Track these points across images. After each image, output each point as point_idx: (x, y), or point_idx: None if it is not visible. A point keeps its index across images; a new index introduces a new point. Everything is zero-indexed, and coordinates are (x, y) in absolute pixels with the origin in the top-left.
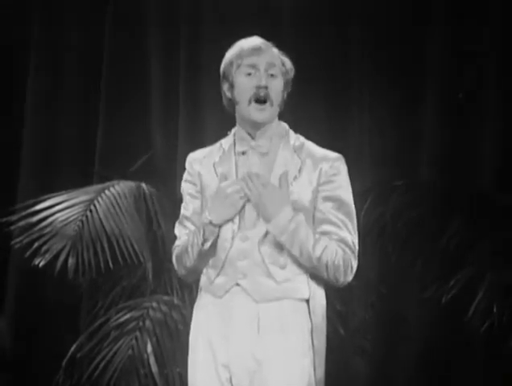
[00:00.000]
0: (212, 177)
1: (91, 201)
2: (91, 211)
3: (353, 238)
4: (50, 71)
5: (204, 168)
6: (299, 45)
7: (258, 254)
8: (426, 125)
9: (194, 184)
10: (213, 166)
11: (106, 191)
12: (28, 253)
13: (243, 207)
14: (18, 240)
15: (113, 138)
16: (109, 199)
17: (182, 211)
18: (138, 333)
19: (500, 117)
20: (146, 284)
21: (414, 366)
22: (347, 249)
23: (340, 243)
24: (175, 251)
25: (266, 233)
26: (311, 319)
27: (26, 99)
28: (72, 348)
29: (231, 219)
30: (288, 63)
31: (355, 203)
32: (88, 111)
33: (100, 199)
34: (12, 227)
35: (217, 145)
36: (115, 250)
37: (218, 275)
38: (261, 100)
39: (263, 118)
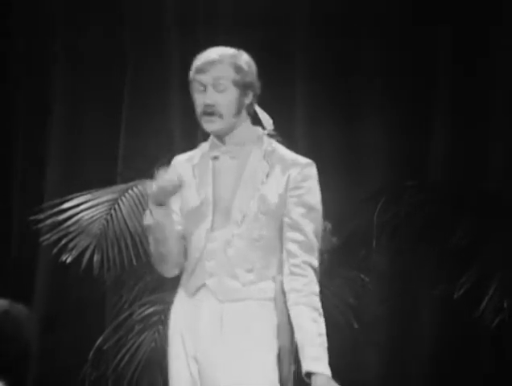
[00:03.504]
0: (190, 179)
1: (115, 200)
2: (115, 210)
3: (313, 257)
4: (75, 76)
5: (185, 171)
6: (311, 45)
7: (224, 256)
8: (437, 126)
9: None
10: (192, 168)
11: (130, 191)
12: (56, 250)
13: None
14: (46, 237)
15: (135, 140)
16: (132, 199)
17: None
18: (160, 326)
19: (510, 118)
20: (167, 279)
21: (425, 360)
22: (311, 277)
23: (308, 271)
24: None
25: (234, 235)
26: (277, 317)
27: (54, 102)
28: (98, 341)
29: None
30: (245, 68)
31: (369, 204)
32: (111, 114)
33: (123, 198)
34: (40, 225)
35: (198, 148)
36: (138, 247)
37: (192, 274)
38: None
39: (212, 129)
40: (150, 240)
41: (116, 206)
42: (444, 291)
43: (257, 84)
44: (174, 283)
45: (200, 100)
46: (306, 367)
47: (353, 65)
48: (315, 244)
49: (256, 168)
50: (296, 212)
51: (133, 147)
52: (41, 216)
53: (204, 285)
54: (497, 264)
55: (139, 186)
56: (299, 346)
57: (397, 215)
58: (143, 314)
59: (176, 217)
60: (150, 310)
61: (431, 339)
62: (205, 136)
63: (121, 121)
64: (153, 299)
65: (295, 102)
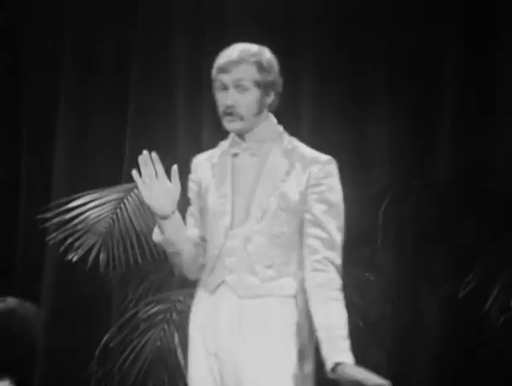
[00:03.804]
0: (210, 178)
1: (121, 199)
2: (121, 209)
3: (335, 253)
4: (82, 76)
5: (205, 170)
6: (318, 45)
7: (244, 252)
8: (442, 126)
9: (194, 187)
10: (212, 167)
11: (135, 190)
12: (62, 249)
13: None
14: (52, 236)
15: (140, 140)
16: (137, 198)
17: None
18: (165, 325)
19: None
20: (172, 278)
21: (430, 360)
22: (333, 273)
23: (329, 267)
24: None
25: (253, 232)
26: (298, 314)
27: (60, 102)
28: (104, 339)
29: (169, 212)
30: (268, 68)
31: (374, 202)
32: (117, 114)
33: (129, 197)
34: (47, 224)
35: (218, 147)
36: (143, 246)
37: (211, 271)
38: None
39: (233, 129)
40: (166, 252)
41: (122, 205)
42: (449, 290)
43: (279, 82)
44: (179, 282)
45: (221, 99)
46: (337, 358)
47: (360, 65)
48: (337, 241)
49: (276, 165)
50: (318, 209)
51: (138, 147)
52: (48, 215)
53: (223, 281)
54: (502, 263)
55: None
56: (326, 339)
57: (402, 214)
58: (149, 313)
59: (194, 221)
60: (156, 308)
61: (436, 338)
62: (210, 136)
63: (126, 120)
64: (158, 298)
65: (301, 101)
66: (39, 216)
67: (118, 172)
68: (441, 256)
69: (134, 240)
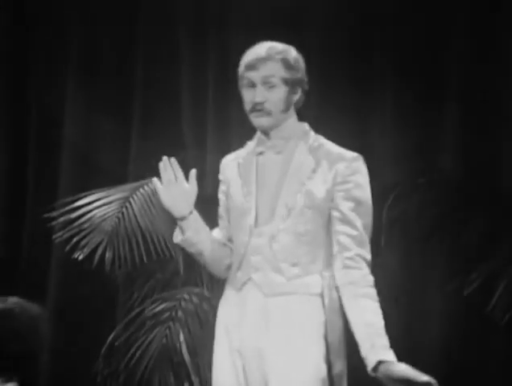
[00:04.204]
0: (236, 177)
1: (126, 199)
2: (126, 208)
3: (365, 250)
4: (87, 76)
5: (231, 170)
6: (322, 45)
7: (269, 251)
8: (448, 123)
9: (223, 187)
10: (238, 166)
11: (141, 189)
12: (68, 247)
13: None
14: (58, 234)
15: (146, 140)
16: (143, 197)
17: None
18: (171, 323)
19: None
20: (178, 277)
21: (435, 357)
22: (366, 269)
23: (361, 264)
24: None
25: (279, 230)
26: (325, 313)
27: (66, 101)
28: (110, 337)
29: (186, 212)
30: (295, 66)
31: (379, 200)
32: (122, 114)
33: (135, 196)
34: (53, 223)
35: (245, 147)
36: (149, 245)
37: (238, 269)
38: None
39: (261, 125)
40: (189, 250)
41: (127, 204)
42: (454, 288)
43: (305, 80)
44: (184, 280)
45: (249, 96)
46: (379, 356)
47: (365, 62)
48: (366, 238)
49: (302, 163)
50: (345, 206)
51: (144, 146)
52: (54, 214)
53: (249, 279)
54: (508, 261)
55: (150, 185)
56: (364, 337)
57: (407, 211)
58: (154, 311)
59: (222, 222)
60: (161, 306)
61: (441, 336)
62: (215, 136)
63: (132, 120)
64: (164, 296)
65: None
66: (46, 215)
67: (124, 171)
68: (446, 254)
69: (140, 239)
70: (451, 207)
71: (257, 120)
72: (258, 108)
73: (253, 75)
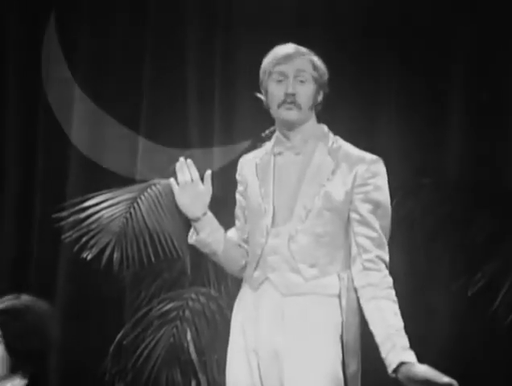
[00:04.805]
0: (253, 177)
1: (134, 199)
2: (134, 208)
3: (384, 252)
4: (95, 76)
5: (249, 169)
6: (327, 47)
7: (287, 251)
8: (454, 124)
9: (240, 187)
10: (255, 167)
11: (148, 190)
12: (77, 247)
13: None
14: (67, 234)
15: (153, 140)
16: (150, 197)
17: None
18: (178, 322)
19: None
20: (185, 276)
21: (440, 357)
22: (385, 271)
23: (381, 266)
24: None
25: (297, 231)
26: (341, 314)
27: (74, 102)
28: (118, 336)
29: (200, 213)
30: (321, 68)
31: None
32: (130, 115)
33: (142, 197)
34: (62, 223)
35: (263, 147)
36: (156, 245)
37: (255, 269)
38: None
39: (291, 117)
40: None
41: (135, 204)
42: (459, 287)
43: (327, 86)
44: (191, 280)
45: (279, 90)
46: (400, 357)
47: (370, 64)
48: (384, 239)
49: (321, 164)
50: (364, 209)
51: (151, 147)
52: (63, 214)
53: (266, 278)
54: None
55: (158, 185)
56: (385, 338)
57: (412, 211)
58: (162, 310)
59: (239, 222)
60: (169, 306)
61: (445, 336)
62: (222, 135)
63: (139, 120)
64: (171, 295)
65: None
66: (55, 215)
67: (132, 172)
68: (451, 254)
69: (147, 239)
70: (456, 207)
71: (286, 112)
72: (289, 100)
73: (286, 68)
